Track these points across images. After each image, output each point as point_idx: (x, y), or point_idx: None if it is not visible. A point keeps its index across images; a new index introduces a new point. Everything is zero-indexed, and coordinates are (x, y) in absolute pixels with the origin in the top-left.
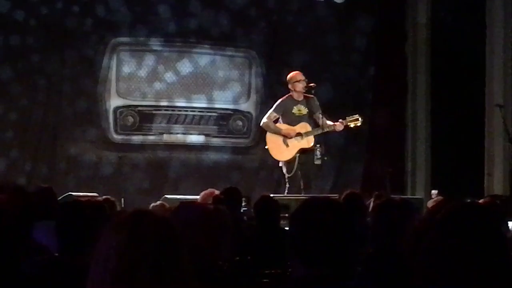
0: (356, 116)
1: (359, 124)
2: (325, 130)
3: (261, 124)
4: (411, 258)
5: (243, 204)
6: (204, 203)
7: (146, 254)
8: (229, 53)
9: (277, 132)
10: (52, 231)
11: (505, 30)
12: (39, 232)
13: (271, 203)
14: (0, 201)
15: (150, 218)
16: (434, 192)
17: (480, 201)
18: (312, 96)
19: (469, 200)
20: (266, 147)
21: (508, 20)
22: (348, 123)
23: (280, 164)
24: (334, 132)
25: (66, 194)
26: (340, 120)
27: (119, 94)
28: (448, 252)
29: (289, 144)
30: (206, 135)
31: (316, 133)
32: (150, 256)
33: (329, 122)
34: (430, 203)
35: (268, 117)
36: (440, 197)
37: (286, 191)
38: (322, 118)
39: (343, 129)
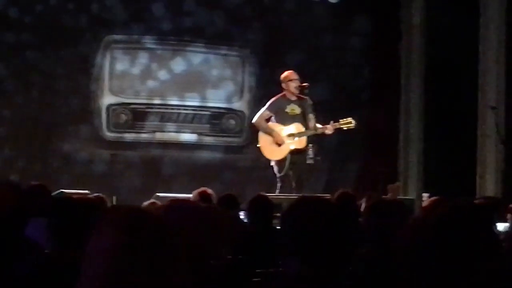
0: (349, 119)
1: (352, 127)
2: (318, 131)
3: (253, 121)
4: (404, 258)
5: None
6: (196, 202)
7: (137, 251)
8: (223, 51)
9: (269, 133)
10: (45, 228)
11: (499, 32)
12: (32, 229)
13: (265, 202)
14: None
15: (142, 215)
16: (425, 195)
17: (473, 202)
18: (305, 97)
19: (461, 201)
20: (258, 145)
21: (502, 22)
22: (341, 126)
23: (272, 164)
24: (324, 135)
25: (58, 191)
26: (332, 122)
27: (112, 92)
28: (441, 252)
29: (281, 144)
30: (199, 133)
31: (308, 134)
32: (141, 254)
33: (319, 125)
34: (426, 202)
35: (261, 116)
36: (435, 197)
37: (278, 190)
38: (314, 120)
39: (333, 133)
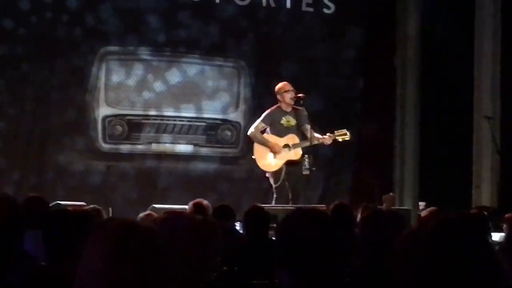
0: (345, 131)
1: (347, 139)
2: (313, 143)
3: (248, 133)
4: (400, 269)
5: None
6: (192, 213)
7: (131, 264)
8: (218, 63)
9: (264, 143)
10: (41, 240)
11: (494, 43)
12: (28, 241)
13: (260, 214)
14: None
15: (135, 228)
16: (421, 204)
17: (469, 212)
18: (301, 108)
19: (457, 212)
20: (253, 156)
21: (497, 33)
22: (336, 137)
23: (267, 175)
24: (322, 145)
25: (54, 203)
26: (328, 134)
27: (108, 103)
28: (437, 263)
29: (276, 156)
30: (195, 144)
31: (304, 145)
32: (135, 267)
33: (317, 135)
34: (424, 214)
35: (256, 127)
36: (433, 208)
37: (274, 201)
38: (310, 130)
39: (330, 143)
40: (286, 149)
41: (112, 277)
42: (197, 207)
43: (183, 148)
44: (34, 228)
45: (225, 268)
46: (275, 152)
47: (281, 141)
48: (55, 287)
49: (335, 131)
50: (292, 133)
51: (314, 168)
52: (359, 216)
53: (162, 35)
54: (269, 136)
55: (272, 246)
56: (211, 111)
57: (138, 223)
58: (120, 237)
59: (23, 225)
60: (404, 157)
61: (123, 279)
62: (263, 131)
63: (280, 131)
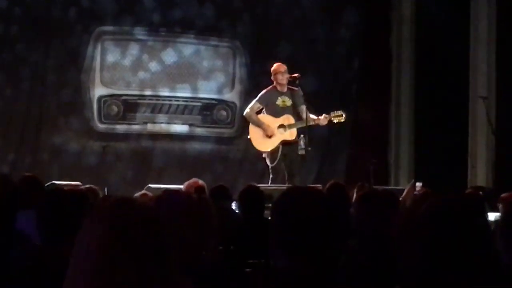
0: (340, 112)
1: (342, 120)
2: (309, 123)
3: (244, 114)
4: (396, 248)
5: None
6: (188, 193)
7: (128, 242)
8: (214, 43)
9: (259, 125)
10: (36, 220)
11: (489, 23)
12: (23, 221)
13: (256, 193)
14: None
15: (133, 206)
16: (418, 184)
17: (465, 192)
18: (296, 88)
19: (452, 192)
20: (248, 137)
21: (492, 13)
22: (332, 118)
23: (264, 155)
24: (317, 126)
25: (49, 183)
26: (324, 114)
27: (103, 83)
28: (433, 244)
29: (271, 136)
30: (190, 125)
31: (299, 125)
32: (132, 245)
33: (313, 116)
34: (405, 194)
35: (251, 108)
36: (421, 188)
37: (270, 181)
38: (306, 111)
39: (326, 124)
40: (282, 130)
41: (108, 256)
42: (194, 187)
43: (179, 128)
44: (29, 208)
45: (221, 247)
46: (268, 135)
47: (277, 122)
48: (50, 267)
49: (331, 112)
50: (288, 113)
51: (309, 148)
52: (354, 196)
53: (157, 15)
54: (264, 117)
55: (267, 226)
56: (207, 91)
57: (135, 200)
58: (117, 214)
59: (17, 204)
60: (399, 137)
61: (119, 257)
62: (258, 112)
63: (276, 112)
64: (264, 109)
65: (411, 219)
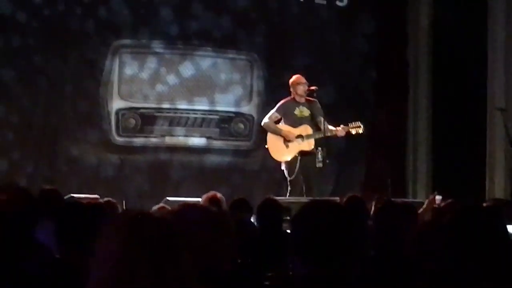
0: (358, 124)
1: (360, 132)
2: (327, 134)
3: (262, 123)
4: (414, 260)
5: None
6: (206, 206)
7: (146, 256)
8: (231, 55)
9: (277, 132)
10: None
11: (507, 34)
12: (43, 233)
13: (274, 206)
14: (1, 202)
15: (150, 220)
16: (438, 197)
17: (484, 204)
18: (314, 100)
19: (473, 203)
20: (266, 146)
21: (510, 24)
22: (350, 130)
23: (282, 167)
24: (335, 137)
25: (68, 196)
26: (342, 125)
27: (121, 96)
28: (454, 255)
29: (289, 146)
30: (208, 137)
31: (317, 136)
32: (149, 258)
33: (331, 127)
34: (425, 206)
35: (270, 117)
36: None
37: (288, 194)
38: (324, 122)
39: (344, 135)
40: (299, 140)
41: (127, 269)
42: (212, 200)
43: (196, 141)
44: (48, 220)
45: (239, 260)
46: (288, 140)
47: (295, 132)
48: (69, 279)
49: (349, 123)
50: (306, 123)
51: (327, 161)
52: (372, 208)
53: (175, 27)
54: (282, 126)
55: (285, 239)
56: (224, 104)
57: (152, 214)
58: (135, 228)
59: (37, 217)
60: (417, 149)
61: (138, 270)
62: (277, 122)
63: (294, 122)
64: (282, 119)
65: (432, 232)
